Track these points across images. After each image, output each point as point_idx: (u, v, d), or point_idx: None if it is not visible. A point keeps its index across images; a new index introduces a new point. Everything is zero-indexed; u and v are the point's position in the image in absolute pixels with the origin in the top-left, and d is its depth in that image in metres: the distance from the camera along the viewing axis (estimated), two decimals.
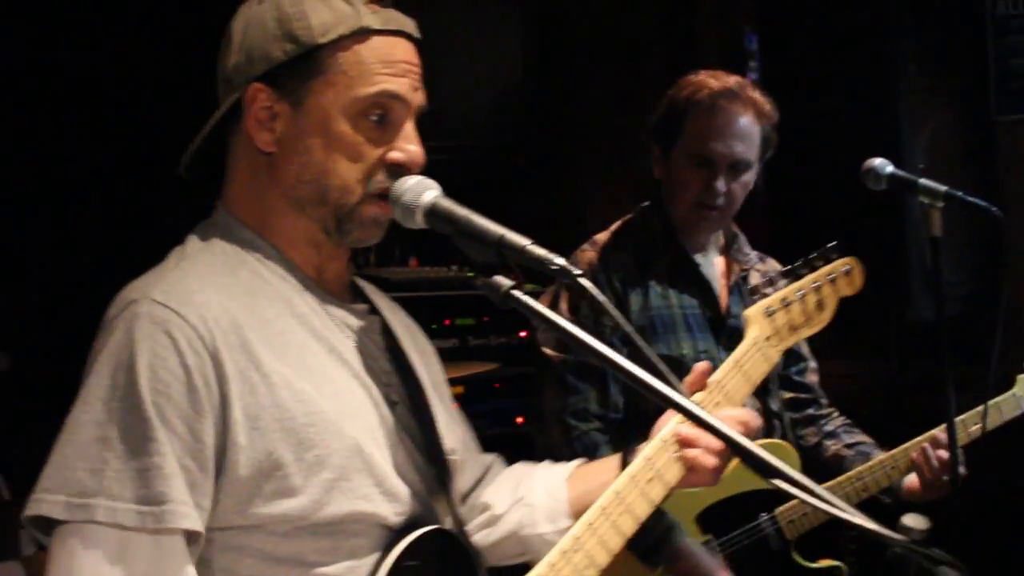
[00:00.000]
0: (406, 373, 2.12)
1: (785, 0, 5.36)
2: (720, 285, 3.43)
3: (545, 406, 3.25)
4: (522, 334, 5.10)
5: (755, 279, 3.46)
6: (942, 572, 1.47)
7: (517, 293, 1.80)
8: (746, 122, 3.30)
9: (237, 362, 1.87)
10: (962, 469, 3.17)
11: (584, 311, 3.22)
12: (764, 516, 3.34)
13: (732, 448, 1.63)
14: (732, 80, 3.40)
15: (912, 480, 3.35)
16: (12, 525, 4.24)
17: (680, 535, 3.11)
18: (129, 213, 5.39)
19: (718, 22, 5.54)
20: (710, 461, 2.18)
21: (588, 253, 3.34)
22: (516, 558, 2.32)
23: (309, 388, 1.92)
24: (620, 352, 3.09)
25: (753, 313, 2.51)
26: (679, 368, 3.18)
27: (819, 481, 3.20)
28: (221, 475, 1.85)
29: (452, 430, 2.20)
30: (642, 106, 5.28)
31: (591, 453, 2.99)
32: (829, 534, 3.42)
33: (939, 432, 3.31)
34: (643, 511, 2.14)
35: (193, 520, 1.81)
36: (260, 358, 1.90)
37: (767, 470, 1.58)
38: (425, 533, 1.99)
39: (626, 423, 3.27)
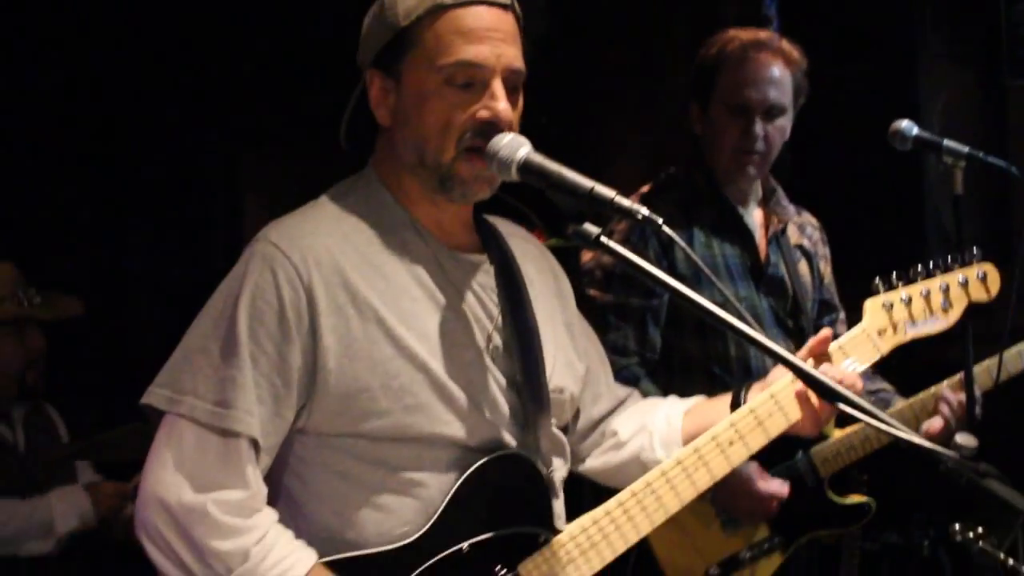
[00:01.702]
0: (519, 316, 2.32)
1: None
2: (760, 236, 3.57)
3: None
4: None
5: (792, 231, 3.63)
6: (988, 483, 1.69)
7: (605, 239, 2.02)
8: (777, 69, 3.45)
9: (335, 298, 2.14)
10: (978, 410, 3.37)
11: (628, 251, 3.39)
12: (800, 455, 3.50)
13: (822, 391, 1.87)
14: (761, 32, 3.57)
15: (932, 424, 3.47)
16: (70, 465, 4.45)
17: None
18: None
19: None
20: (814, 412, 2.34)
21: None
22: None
23: (401, 327, 2.17)
24: (660, 298, 3.29)
25: (871, 304, 2.51)
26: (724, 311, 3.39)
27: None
28: (314, 391, 2.14)
29: (571, 369, 2.43)
30: (665, 68, 5.45)
31: (632, 384, 3.12)
32: (859, 473, 3.61)
33: (959, 379, 3.43)
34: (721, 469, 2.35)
35: (252, 427, 2.11)
36: (358, 296, 2.16)
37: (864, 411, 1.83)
38: (502, 455, 2.23)
39: (665, 364, 3.45)
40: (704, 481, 2.33)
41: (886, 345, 2.48)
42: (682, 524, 3.35)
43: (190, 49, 5.67)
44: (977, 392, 3.35)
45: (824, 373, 2.00)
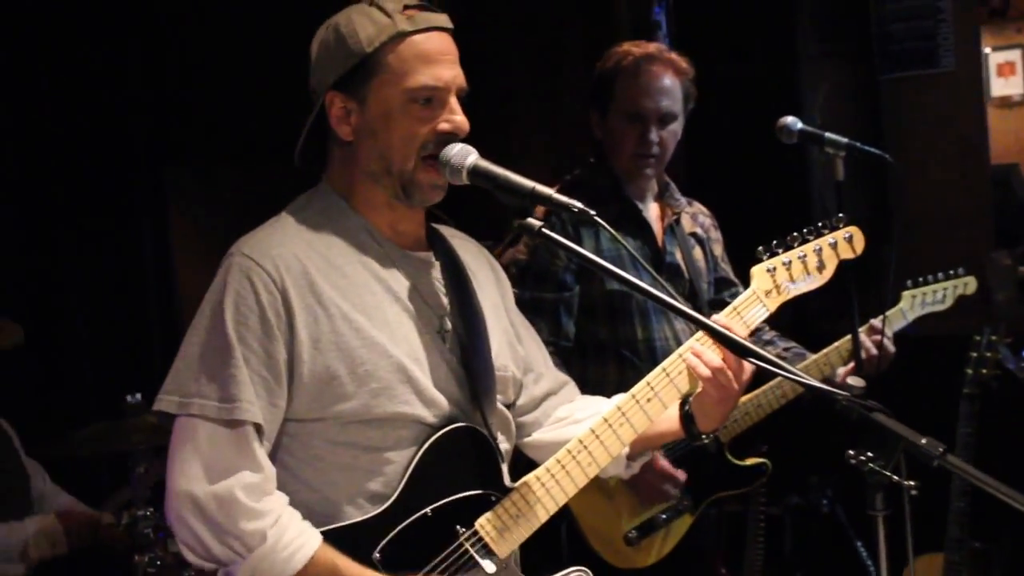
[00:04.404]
0: (465, 304, 2.61)
1: None
2: (657, 228, 3.87)
3: None
4: None
5: (686, 221, 3.94)
6: (875, 416, 2.03)
7: (546, 230, 2.34)
8: (668, 79, 3.76)
9: (304, 298, 2.43)
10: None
11: (541, 251, 3.68)
12: None
13: (733, 347, 2.21)
14: (652, 46, 3.87)
15: (846, 370, 3.83)
16: (23, 473, 4.63)
17: None
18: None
19: None
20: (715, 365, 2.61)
21: None
22: None
23: (363, 319, 2.47)
24: (572, 290, 3.60)
25: (756, 270, 2.77)
26: (630, 299, 3.73)
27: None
28: (293, 382, 2.42)
29: (513, 350, 2.73)
30: (563, 72, 5.73)
31: None
32: (745, 440, 3.96)
33: (874, 322, 3.82)
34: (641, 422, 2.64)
35: (256, 415, 2.39)
36: (323, 295, 2.45)
37: (761, 358, 2.15)
38: (455, 428, 2.52)
39: (578, 350, 3.75)
40: (628, 435, 2.61)
41: (773, 303, 2.77)
42: (601, 492, 3.70)
43: (114, 65, 5.73)
44: (889, 334, 3.79)
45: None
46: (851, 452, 2.44)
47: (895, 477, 2.39)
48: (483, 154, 2.46)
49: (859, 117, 5.72)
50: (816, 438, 4.39)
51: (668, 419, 2.74)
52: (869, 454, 2.45)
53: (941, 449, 1.98)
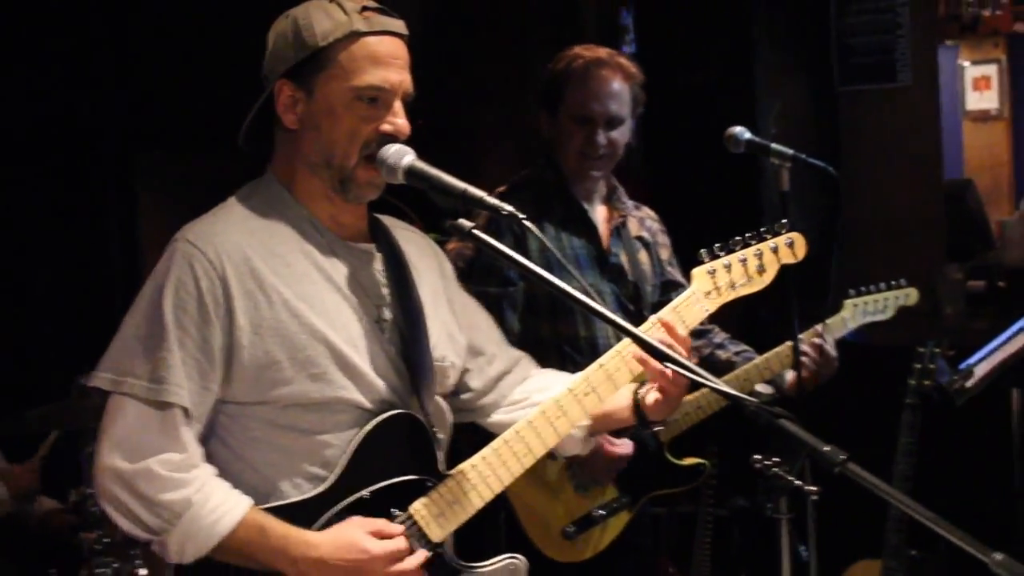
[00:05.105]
0: (404, 295, 2.69)
1: None
2: (603, 229, 3.93)
3: None
4: None
5: (632, 224, 4.01)
6: (781, 423, 2.10)
7: (477, 232, 2.42)
8: (617, 84, 3.81)
9: (244, 285, 2.50)
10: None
11: (484, 252, 3.66)
12: None
13: (653, 353, 2.28)
14: (602, 50, 3.92)
15: (791, 375, 3.88)
16: None
17: None
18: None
19: (597, 1, 6.05)
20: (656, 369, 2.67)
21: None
22: None
23: (303, 306, 2.54)
24: (516, 286, 3.65)
25: (697, 271, 2.82)
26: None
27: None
28: (232, 366, 2.49)
29: (453, 341, 2.79)
30: (529, 75, 5.81)
31: None
32: (695, 438, 4.04)
33: (817, 328, 3.88)
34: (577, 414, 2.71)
35: (183, 397, 2.46)
36: (264, 282, 2.52)
37: (683, 367, 2.22)
38: (394, 415, 2.59)
39: (521, 346, 3.82)
40: (564, 427, 2.69)
41: (713, 304, 2.83)
42: (540, 486, 3.78)
43: (85, 49, 5.78)
44: (831, 342, 3.88)
45: (659, 341, 2.40)
46: (756, 457, 2.52)
47: (797, 482, 2.48)
48: (448, 156, 2.55)
49: (816, 128, 5.81)
50: (765, 441, 4.45)
51: (622, 405, 2.82)
52: (775, 459, 2.53)
53: (843, 457, 2.02)
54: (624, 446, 3.75)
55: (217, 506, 2.45)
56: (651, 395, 2.76)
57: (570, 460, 3.61)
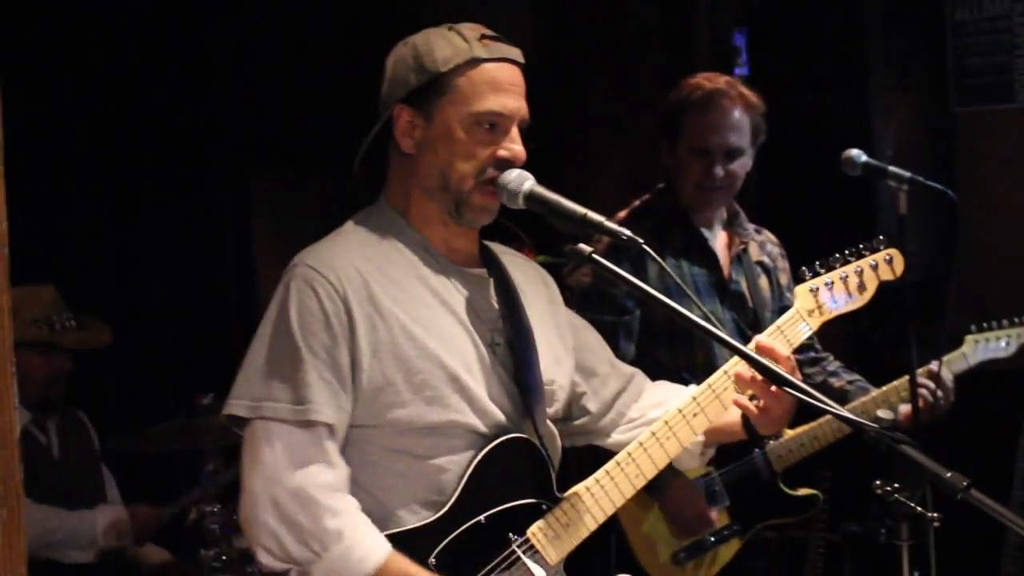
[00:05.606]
0: (515, 320, 2.71)
1: (772, 4, 5.86)
2: (723, 256, 3.94)
3: None
4: None
5: (753, 250, 3.99)
6: (902, 448, 2.09)
7: (596, 256, 2.43)
8: (737, 115, 3.80)
9: (363, 308, 2.53)
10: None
11: (600, 281, 3.74)
12: (756, 452, 3.90)
13: (768, 375, 2.30)
14: (722, 80, 3.90)
15: (906, 407, 3.80)
16: (99, 470, 4.84)
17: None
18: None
19: (711, 23, 5.99)
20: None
21: None
22: None
23: (419, 330, 2.57)
24: (632, 314, 3.68)
25: (800, 290, 2.83)
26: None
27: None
28: (354, 387, 2.52)
29: (560, 364, 2.80)
30: (642, 98, 5.80)
31: None
32: (809, 469, 4.02)
33: (933, 366, 3.80)
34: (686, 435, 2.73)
35: (328, 415, 2.48)
36: (381, 306, 2.55)
37: (795, 387, 2.23)
38: (510, 439, 2.61)
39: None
40: (674, 448, 2.70)
41: (815, 322, 2.83)
42: (652, 510, 3.78)
43: (201, 70, 5.87)
44: (949, 377, 3.84)
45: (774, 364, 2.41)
46: (878, 483, 2.50)
47: (919, 508, 2.45)
48: (561, 178, 2.57)
49: (933, 151, 5.73)
50: (878, 467, 4.41)
51: (732, 420, 2.83)
52: (896, 485, 2.51)
53: (966, 483, 2.02)
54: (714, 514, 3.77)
55: (365, 543, 2.46)
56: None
57: (665, 504, 3.68)
